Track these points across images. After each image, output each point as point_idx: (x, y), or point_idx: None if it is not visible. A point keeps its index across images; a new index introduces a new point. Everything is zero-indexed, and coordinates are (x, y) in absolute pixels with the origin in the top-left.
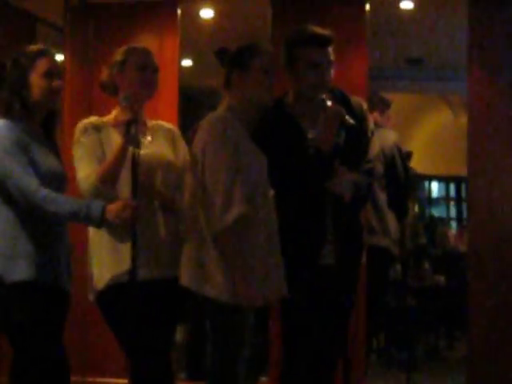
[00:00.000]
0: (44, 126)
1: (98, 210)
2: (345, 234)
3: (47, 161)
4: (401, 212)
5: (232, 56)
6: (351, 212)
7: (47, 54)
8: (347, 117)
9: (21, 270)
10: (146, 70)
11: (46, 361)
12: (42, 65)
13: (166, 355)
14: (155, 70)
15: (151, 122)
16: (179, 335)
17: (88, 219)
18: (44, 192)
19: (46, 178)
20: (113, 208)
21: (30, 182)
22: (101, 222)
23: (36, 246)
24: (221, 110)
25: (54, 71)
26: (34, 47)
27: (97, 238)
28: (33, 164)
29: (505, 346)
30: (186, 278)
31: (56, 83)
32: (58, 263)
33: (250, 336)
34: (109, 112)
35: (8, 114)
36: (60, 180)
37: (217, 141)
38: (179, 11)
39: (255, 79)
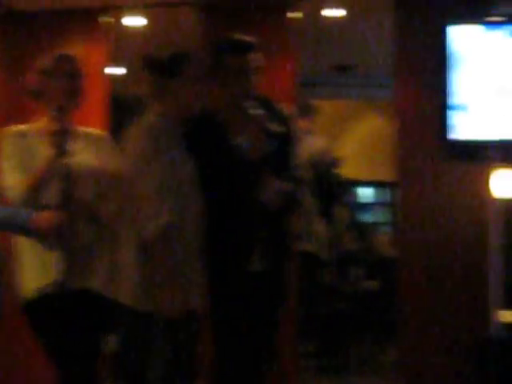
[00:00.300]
0: None
1: (25, 217)
2: (272, 240)
3: None
4: (328, 217)
5: (162, 63)
6: (279, 219)
7: None
8: (271, 124)
9: None
10: (70, 77)
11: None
12: None
13: (93, 365)
14: (77, 77)
15: (80, 130)
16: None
17: (14, 226)
18: None
19: None
20: (40, 217)
21: None
22: (28, 230)
23: None
24: (151, 116)
25: None
26: None
27: (22, 246)
28: None
29: (434, 350)
30: (103, 286)
31: None
32: None
33: (166, 343)
34: (32, 119)
35: None
36: None
37: (150, 148)
38: (108, 19)
39: (186, 87)
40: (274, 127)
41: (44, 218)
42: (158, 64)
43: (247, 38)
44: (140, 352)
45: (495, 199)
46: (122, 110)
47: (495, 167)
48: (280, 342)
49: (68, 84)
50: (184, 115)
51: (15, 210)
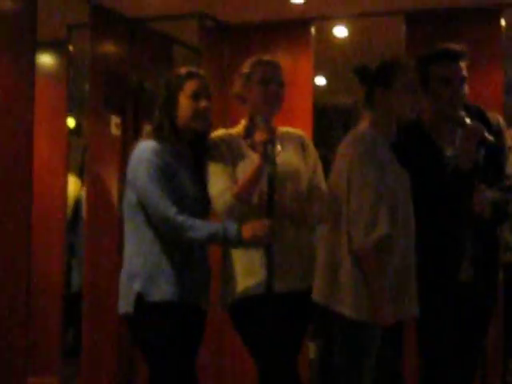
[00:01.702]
0: (193, 149)
1: (235, 230)
2: (483, 251)
3: (191, 186)
4: None
5: (374, 73)
6: (489, 229)
7: (196, 76)
8: (487, 134)
9: (161, 291)
10: (269, 84)
11: (179, 380)
12: (189, 86)
13: (295, 368)
14: (281, 85)
15: (280, 130)
16: (312, 352)
17: (225, 241)
18: (179, 219)
19: (190, 204)
20: (249, 228)
21: (167, 210)
22: (238, 243)
23: (177, 267)
24: (364, 126)
25: (201, 92)
26: (183, 69)
27: (231, 250)
28: (177, 190)
29: None
30: (318, 293)
31: (203, 104)
32: (198, 284)
33: (375, 351)
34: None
35: (158, 133)
36: (203, 205)
37: (365, 158)
38: (313, 30)
39: (399, 96)
40: (489, 137)
41: (252, 228)
42: (370, 74)
43: (457, 47)
44: (355, 362)
45: None
46: (322, 120)
47: None
48: (486, 356)
49: (263, 90)
50: (396, 125)
51: (224, 223)
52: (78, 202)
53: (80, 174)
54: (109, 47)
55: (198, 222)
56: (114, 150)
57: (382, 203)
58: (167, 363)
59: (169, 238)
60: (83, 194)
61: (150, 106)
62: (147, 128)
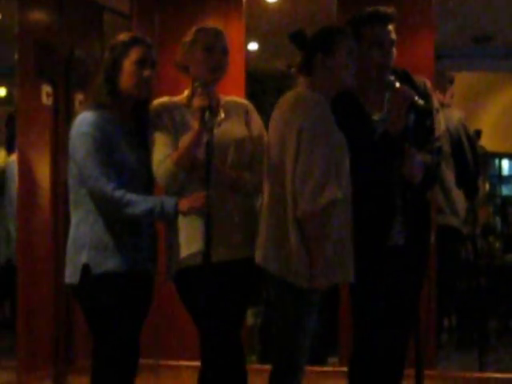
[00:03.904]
0: (135, 117)
1: (172, 205)
2: (414, 214)
3: (133, 157)
4: (470, 191)
5: (313, 39)
6: (420, 192)
7: (142, 43)
8: (417, 98)
9: (108, 262)
10: (213, 51)
11: (124, 346)
12: (135, 53)
13: (238, 336)
14: (224, 52)
15: (224, 99)
16: (250, 318)
17: (162, 216)
18: (116, 196)
19: (131, 175)
20: (185, 200)
21: (104, 187)
22: (175, 216)
23: (122, 236)
24: (303, 89)
25: (146, 60)
26: (129, 34)
27: (174, 221)
28: (117, 163)
29: None
30: (262, 258)
31: (147, 73)
32: (144, 251)
33: (315, 315)
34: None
35: (96, 99)
36: (147, 176)
37: (317, 121)
38: None
39: (340, 63)
40: (419, 101)
41: (188, 200)
42: (308, 39)
43: (387, 9)
44: (292, 325)
45: None
46: (254, 84)
47: None
48: (419, 316)
49: (207, 58)
50: (337, 90)
51: (161, 198)
52: (2, 173)
53: (7, 145)
54: (38, 15)
55: (135, 198)
56: (45, 120)
57: (332, 168)
58: (112, 333)
59: (108, 213)
60: (12, 165)
61: (81, 74)
62: (81, 96)
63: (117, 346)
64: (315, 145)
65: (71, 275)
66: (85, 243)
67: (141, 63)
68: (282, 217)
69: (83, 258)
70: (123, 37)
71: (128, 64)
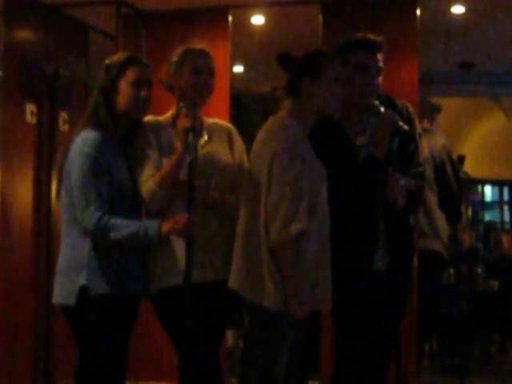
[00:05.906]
0: (125, 137)
1: (155, 229)
2: (397, 239)
3: (127, 177)
4: (453, 216)
5: (301, 62)
6: (403, 217)
7: (138, 63)
8: (401, 123)
9: (104, 284)
10: (201, 73)
11: (109, 366)
12: (132, 73)
13: (216, 358)
14: (211, 74)
15: (208, 121)
16: (231, 340)
17: (146, 240)
18: (102, 224)
19: (125, 196)
20: (168, 223)
21: (90, 217)
22: (159, 240)
23: (116, 259)
24: (283, 115)
25: (143, 80)
26: (124, 54)
27: None
28: (114, 184)
29: None
30: (236, 283)
31: (144, 93)
32: (135, 273)
33: (289, 343)
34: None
35: (93, 117)
36: (131, 196)
37: (287, 152)
38: (230, 17)
39: (327, 88)
40: (403, 126)
41: (171, 223)
42: (294, 62)
43: (376, 38)
44: (269, 348)
45: None
46: (239, 107)
47: None
48: (401, 341)
49: (194, 80)
50: (320, 115)
51: (144, 223)
52: None
53: None
54: (23, 33)
55: (119, 223)
56: (29, 138)
57: (302, 198)
58: (105, 351)
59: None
60: None
61: (65, 93)
62: (66, 115)
63: (107, 363)
64: (286, 173)
65: (65, 296)
66: (82, 264)
67: (137, 84)
68: (255, 243)
69: (81, 280)
70: (119, 57)
71: (125, 85)
